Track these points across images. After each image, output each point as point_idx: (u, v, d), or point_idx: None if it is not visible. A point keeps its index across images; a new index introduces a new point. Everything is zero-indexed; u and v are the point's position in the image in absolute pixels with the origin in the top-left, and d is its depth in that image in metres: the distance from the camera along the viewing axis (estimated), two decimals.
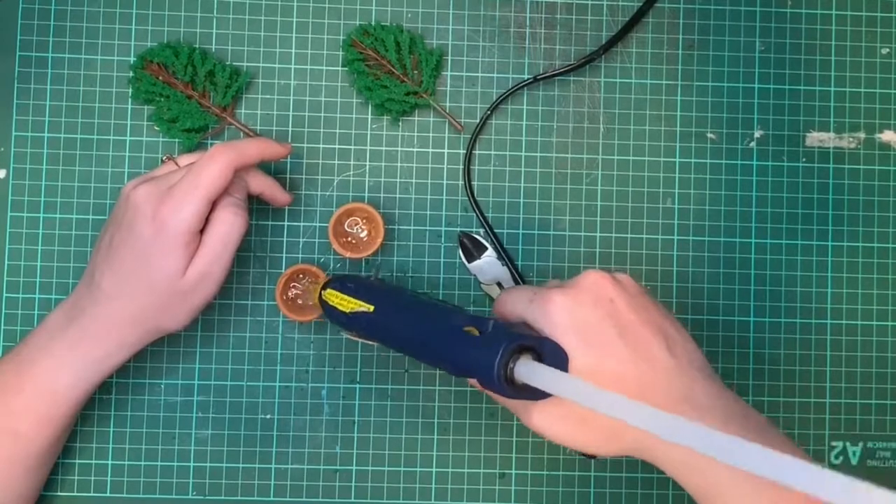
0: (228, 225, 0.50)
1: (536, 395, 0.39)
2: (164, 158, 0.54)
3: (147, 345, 0.52)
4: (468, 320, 0.42)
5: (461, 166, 0.59)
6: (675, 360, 0.42)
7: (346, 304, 0.50)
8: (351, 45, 0.58)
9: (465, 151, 0.59)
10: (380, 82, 0.58)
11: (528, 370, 0.38)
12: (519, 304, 0.44)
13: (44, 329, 0.51)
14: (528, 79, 0.59)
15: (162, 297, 0.50)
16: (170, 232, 0.48)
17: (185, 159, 0.53)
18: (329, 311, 0.51)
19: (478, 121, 0.59)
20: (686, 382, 0.42)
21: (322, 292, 0.52)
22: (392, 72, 0.58)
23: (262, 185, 0.54)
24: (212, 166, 0.49)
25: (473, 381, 0.46)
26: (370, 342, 0.56)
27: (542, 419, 0.43)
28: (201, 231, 0.50)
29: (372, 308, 0.48)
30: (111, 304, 0.50)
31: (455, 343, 0.42)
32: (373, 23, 0.59)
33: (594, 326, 0.42)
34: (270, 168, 0.59)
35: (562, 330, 0.41)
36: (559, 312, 0.42)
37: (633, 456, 0.43)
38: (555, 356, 0.40)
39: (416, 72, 0.59)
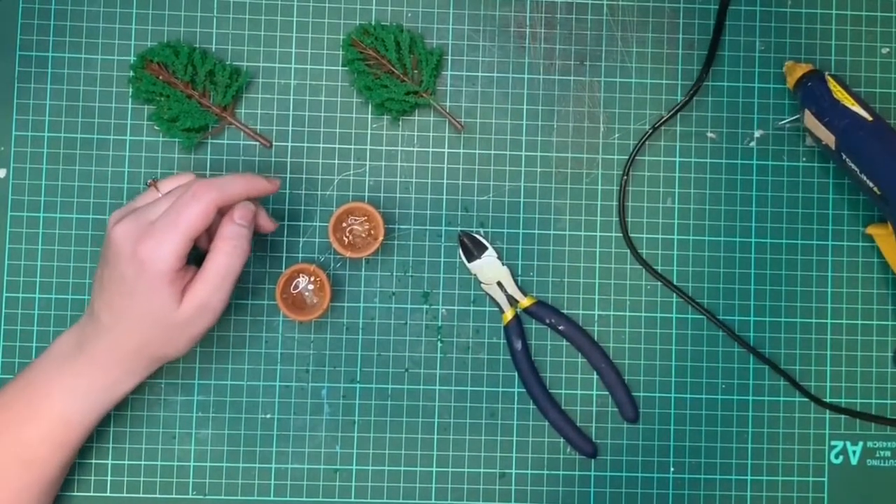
0: (227, 257, 0.50)
1: None
2: (147, 183, 0.53)
3: (154, 371, 0.52)
4: None
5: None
6: None
7: (846, 99, 0.52)
8: (351, 44, 0.58)
9: (617, 188, 0.59)
10: (380, 82, 0.58)
11: None
12: None
13: (52, 357, 0.51)
14: (649, 130, 0.60)
15: (159, 330, 0.50)
16: (150, 271, 0.48)
17: (167, 185, 0.52)
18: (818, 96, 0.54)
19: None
20: None
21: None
22: (392, 71, 0.58)
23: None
24: (193, 206, 0.48)
25: None
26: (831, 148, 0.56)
27: None
28: (203, 254, 0.50)
29: (871, 118, 0.51)
30: (112, 337, 0.50)
31: None
32: (373, 22, 0.59)
33: None
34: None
35: None
36: None
37: None
38: None
39: (416, 71, 0.59)
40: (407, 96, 0.58)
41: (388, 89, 0.58)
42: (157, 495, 0.57)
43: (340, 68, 0.59)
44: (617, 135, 0.60)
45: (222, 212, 0.51)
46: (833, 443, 0.59)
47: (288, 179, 0.59)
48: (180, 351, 0.51)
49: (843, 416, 0.59)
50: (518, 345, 0.58)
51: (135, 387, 0.52)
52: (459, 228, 0.59)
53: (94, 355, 0.50)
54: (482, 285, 0.59)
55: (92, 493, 0.57)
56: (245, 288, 0.58)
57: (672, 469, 0.59)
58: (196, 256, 0.51)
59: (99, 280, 0.50)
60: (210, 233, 0.52)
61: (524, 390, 0.58)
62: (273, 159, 0.59)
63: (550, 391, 0.59)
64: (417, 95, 0.58)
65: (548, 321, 0.59)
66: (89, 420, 0.51)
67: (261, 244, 0.59)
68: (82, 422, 0.51)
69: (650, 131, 0.59)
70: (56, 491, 0.54)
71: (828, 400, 0.59)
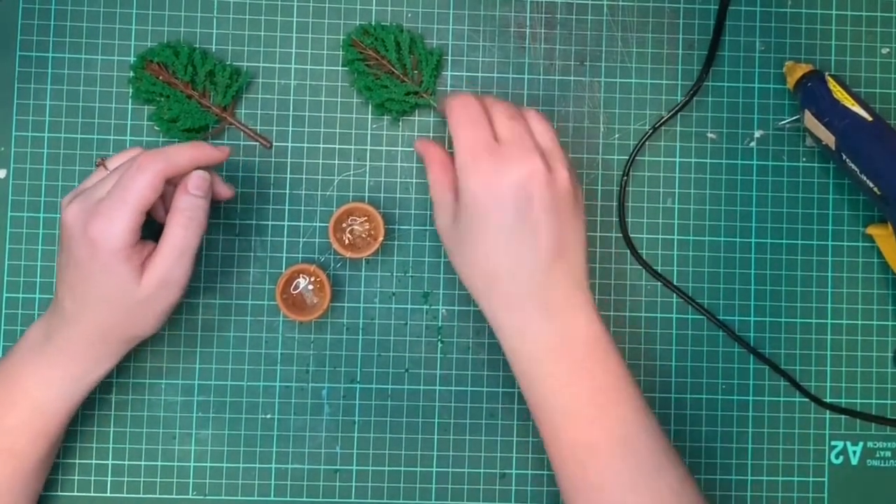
0: (183, 229, 0.49)
1: None
2: (96, 163, 0.52)
3: (125, 354, 0.52)
4: None
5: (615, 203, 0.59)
6: (545, 264, 0.49)
7: (846, 99, 0.52)
8: (351, 44, 0.58)
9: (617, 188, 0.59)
10: (380, 82, 0.58)
11: None
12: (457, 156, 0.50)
13: (24, 348, 0.51)
14: (649, 130, 0.59)
15: (123, 310, 0.49)
16: (103, 250, 0.47)
17: (115, 161, 0.51)
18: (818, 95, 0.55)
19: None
20: (549, 284, 0.49)
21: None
22: (392, 72, 0.58)
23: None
24: (139, 178, 0.47)
25: None
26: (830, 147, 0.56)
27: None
28: (159, 231, 0.49)
29: (871, 118, 0.52)
30: (77, 324, 0.49)
31: None
32: (373, 23, 0.59)
33: (496, 211, 0.48)
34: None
35: (471, 196, 0.49)
36: (477, 184, 0.49)
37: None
38: None
39: (416, 72, 0.59)
40: (407, 97, 0.58)
41: (388, 90, 0.58)
42: (157, 496, 0.57)
43: (340, 68, 0.59)
44: (617, 135, 0.60)
45: (174, 183, 0.50)
46: (833, 443, 0.59)
47: (288, 179, 0.59)
48: (149, 329, 0.50)
49: (843, 417, 0.59)
50: None
51: (110, 370, 0.51)
52: None
53: (62, 345, 0.49)
54: None
55: (92, 494, 0.57)
56: (245, 288, 0.58)
57: None
58: (157, 231, 0.50)
59: (59, 267, 0.50)
60: (167, 205, 0.51)
61: None
62: (273, 160, 0.59)
63: None
64: (417, 96, 0.58)
65: None
66: (67, 408, 0.51)
67: (261, 245, 0.59)
68: (58, 412, 0.50)
69: (650, 131, 0.59)
70: (39, 484, 0.53)
71: (828, 400, 0.59)
